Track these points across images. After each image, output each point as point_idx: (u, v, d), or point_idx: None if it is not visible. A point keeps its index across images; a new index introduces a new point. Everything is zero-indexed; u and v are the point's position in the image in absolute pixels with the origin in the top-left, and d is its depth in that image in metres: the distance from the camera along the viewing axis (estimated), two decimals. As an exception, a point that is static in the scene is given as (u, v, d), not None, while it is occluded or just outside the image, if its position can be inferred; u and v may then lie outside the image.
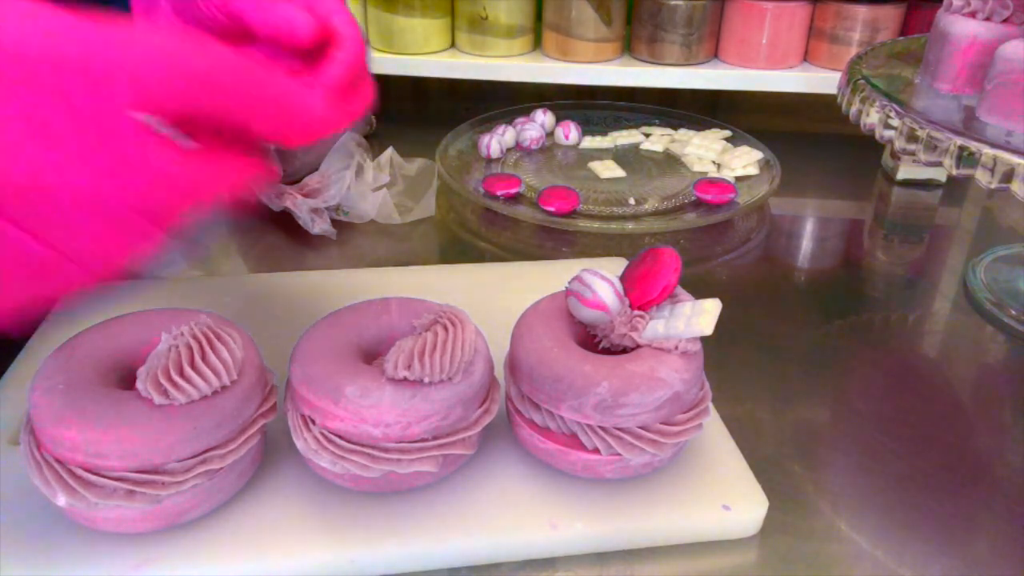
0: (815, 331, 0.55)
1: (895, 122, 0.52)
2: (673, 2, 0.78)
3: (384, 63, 0.82)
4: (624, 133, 0.82)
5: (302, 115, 0.28)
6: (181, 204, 0.25)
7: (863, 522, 0.39)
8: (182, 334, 0.34)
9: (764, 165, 0.75)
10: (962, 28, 0.53)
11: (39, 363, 0.35)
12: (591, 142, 0.80)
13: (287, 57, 0.42)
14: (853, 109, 0.56)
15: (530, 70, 0.83)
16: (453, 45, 0.85)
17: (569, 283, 0.39)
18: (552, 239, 0.65)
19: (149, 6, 0.46)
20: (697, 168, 0.75)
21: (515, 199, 0.69)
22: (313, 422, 0.35)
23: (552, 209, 0.66)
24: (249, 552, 0.35)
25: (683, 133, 0.81)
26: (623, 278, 0.39)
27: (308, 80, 0.37)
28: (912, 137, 0.50)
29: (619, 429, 0.36)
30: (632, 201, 0.69)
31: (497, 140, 0.76)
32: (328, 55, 0.41)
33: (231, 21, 0.41)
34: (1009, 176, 0.45)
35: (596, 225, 0.65)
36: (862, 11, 0.77)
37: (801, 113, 0.92)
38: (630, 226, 0.65)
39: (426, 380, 0.34)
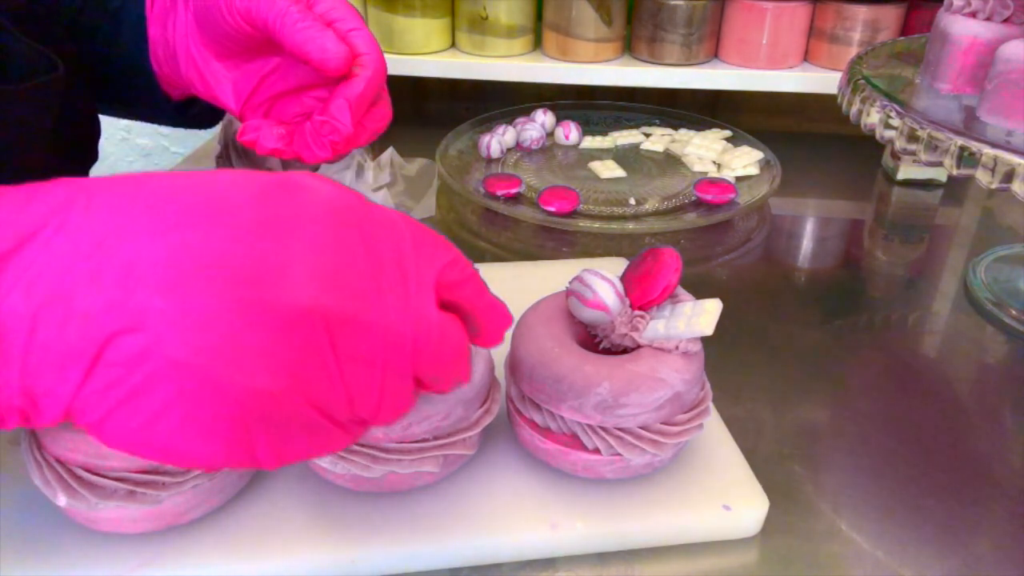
0: (815, 331, 0.55)
1: (895, 122, 0.52)
2: (673, 2, 0.78)
3: (384, 63, 0.82)
4: (624, 133, 0.82)
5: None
6: (443, 370, 0.29)
7: (863, 522, 0.39)
8: None
9: (764, 165, 0.75)
10: (962, 28, 0.53)
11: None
12: (591, 142, 0.80)
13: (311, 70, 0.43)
14: (853, 109, 0.56)
15: (530, 70, 0.82)
16: (453, 45, 0.85)
17: (569, 283, 0.39)
18: (552, 239, 0.65)
19: (166, 14, 0.46)
20: (697, 168, 0.75)
21: (515, 199, 0.69)
22: (313, 422, 0.35)
23: (552, 209, 0.66)
24: (249, 552, 0.35)
25: (683, 133, 0.81)
26: (623, 278, 0.39)
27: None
28: (912, 137, 0.50)
29: (620, 429, 0.36)
30: (632, 201, 0.69)
31: (497, 140, 0.76)
32: (352, 73, 0.42)
33: (256, 31, 0.42)
34: (1009, 176, 0.45)
35: (596, 225, 0.65)
36: (862, 11, 0.77)
37: (801, 113, 0.92)
38: (630, 226, 0.65)
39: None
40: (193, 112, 0.52)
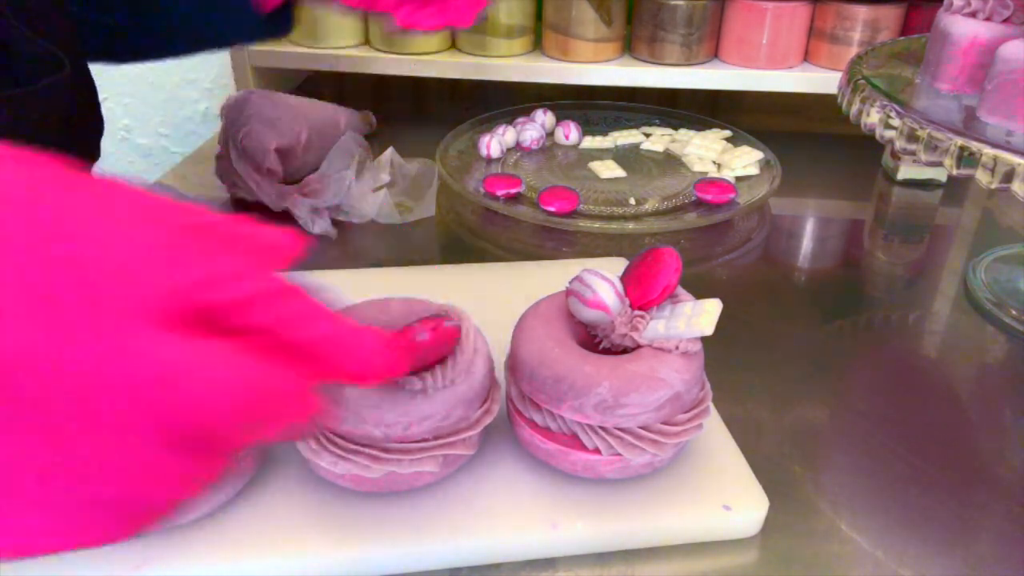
0: (815, 331, 0.55)
1: (895, 122, 0.52)
2: (673, 2, 0.78)
3: (384, 63, 0.82)
4: (624, 133, 0.82)
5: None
6: (242, 428, 0.21)
7: (863, 522, 0.39)
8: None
9: (764, 165, 0.75)
10: (962, 28, 0.53)
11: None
12: (591, 142, 0.80)
13: None
14: (853, 109, 0.56)
15: (530, 70, 0.83)
16: (453, 45, 0.85)
17: (569, 283, 0.39)
18: (552, 239, 0.65)
19: None
20: (697, 168, 0.75)
21: (515, 199, 0.69)
22: (313, 422, 0.35)
23: (552, 209, 0.66)
24: (249, 552, 0.35)
25: (683, 133, 0.81)
26: (623, 278, 0.39)
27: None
28: (912, 137, 0.50)
29: (620, 429, 0.36)
30: (632, 201, 0.69)
31: (497, 140, 0.76)
32: None
33: None
34: (1009, 176, 0.45)
35: (596, 225, 0.65)
36: (862, 11, 0.77)
37: (801, 113, 0.92)
38: (630, 226, 0.65)
39: (429, 391, 0.34)
40: (268, 17, 0.51)
